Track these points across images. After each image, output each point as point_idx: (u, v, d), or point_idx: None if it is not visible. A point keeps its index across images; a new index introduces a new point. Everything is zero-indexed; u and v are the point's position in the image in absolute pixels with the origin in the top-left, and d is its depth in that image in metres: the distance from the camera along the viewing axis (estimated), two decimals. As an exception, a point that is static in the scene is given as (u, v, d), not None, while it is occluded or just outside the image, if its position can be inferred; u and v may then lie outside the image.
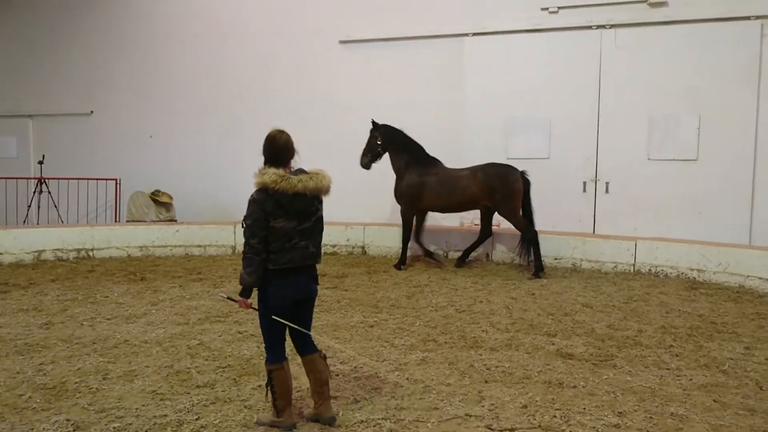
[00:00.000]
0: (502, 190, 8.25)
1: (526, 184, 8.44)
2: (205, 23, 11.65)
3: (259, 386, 4.20)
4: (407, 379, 4.40)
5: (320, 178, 3.51)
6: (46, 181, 11.58)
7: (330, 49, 10.79)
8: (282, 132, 3.55)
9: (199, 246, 9.41)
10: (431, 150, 8.84)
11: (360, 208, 10.14)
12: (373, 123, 8.81)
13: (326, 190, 3.57)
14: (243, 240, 3.44)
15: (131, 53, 12.27)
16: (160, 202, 10.88)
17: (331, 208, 9.39)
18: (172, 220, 10.92)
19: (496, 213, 8.66)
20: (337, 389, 4.17)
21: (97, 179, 12.10)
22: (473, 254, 8.96)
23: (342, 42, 10.72)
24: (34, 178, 11.87)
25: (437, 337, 5.47)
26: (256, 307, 3.58)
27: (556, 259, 8.70)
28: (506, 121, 9.82)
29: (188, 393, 4.10)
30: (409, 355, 4.96)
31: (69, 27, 12.74)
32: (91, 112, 12.65)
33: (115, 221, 11.99)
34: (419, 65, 10.35)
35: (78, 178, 11.98)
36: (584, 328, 5.78)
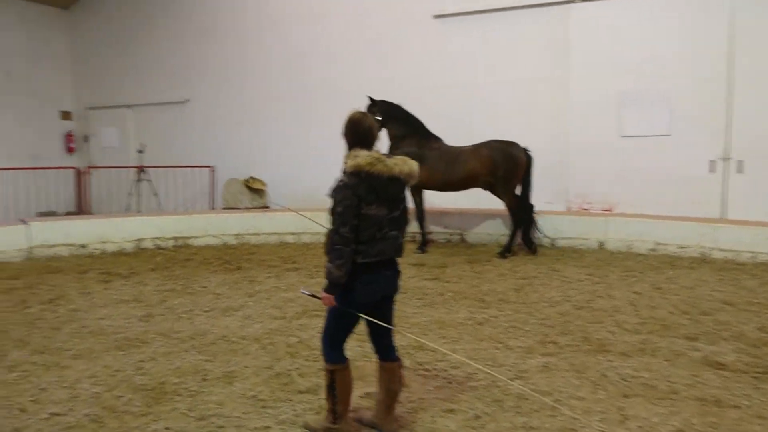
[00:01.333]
0: (504, 165, 8.11)
1: (529, 160, 8.27)
2: (297, 5, 11.40)
3: (367, 394, 3.81)
4: (531, 389, 3.86)
5: (410, 163, 3.23)
6: (146, 169, 11.83)
7: (423, 24, 10.23)
8: (365, 114, 3.31)
9: (293, 234, 9.21)
10: (533, 130, 8.17)
11: (459, 193, 9.59)
12: (370, 99, 8.46)
13: (416, 176, 3.26)
14: (334, 227, 3.06)
15: (224, 40, 12.25)
16: (254, 188, 10.82)
17: (428, 193, 8.99)
18: (265, 207, 10.83)
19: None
20: (452, 400, 3.71)
21: (192, 167, 12.25)
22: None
23: (436, 16, 10.13)
24: (135, 167, 12.16)
25: (557, 339, 4.88)
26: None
27: (680, 247, 7.79)
28: (618, 96, 8.93)
29: (290, 400, 3.77)
30: (528, 360, 4.41)
31: (164, 17, 12.91)
32: (187, 100, 12.80)
33: (211, 208, 12.10)
34: (518, 38, 9.61)
35: (175, 166, 12.17)
36: (730, 330, 4.98)
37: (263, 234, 9.20)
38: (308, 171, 11.12)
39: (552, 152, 9.46)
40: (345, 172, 3.11)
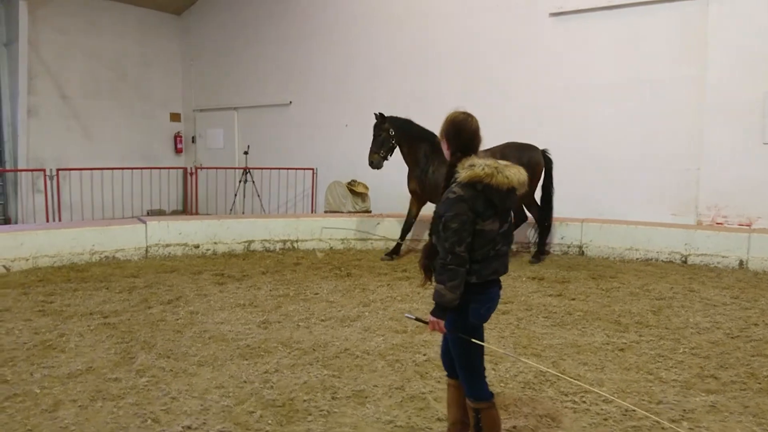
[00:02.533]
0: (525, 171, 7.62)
1: (548, 163, 8.07)
2: (405, 4, 11.17)
3: (514, 428, 3.44)
4: (706, 437, 3.35)
5: (523, 172, 2.93)
6: (250, 170, 11.98)
7: (539, 23, 9.70)
8: (470, 114, 2.98)
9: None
10: (660, 134, 7.48)
11: (574, 202, 8.98)
12: (380, 116, 8.15)
13: (527, 185, 2.94)
14: (448, 246, 2.73)
15: (328, 41, 12.23)
16: (357, 192, 10.68)
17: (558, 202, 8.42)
18: (368, 211, 10.66)
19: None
20: (615, 443, 3.26)
21: (295, 168, 12.29)
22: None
23: (553, 14, 9.59)
24: (240, 168, 12.36)
25: (716, 373, 4.30)
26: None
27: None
28: (764, 98, 8.02)
29: (430, 429, 3.46)
30: (690, 397, 3.88)
31: (270, 21, 13.08)
32: (290, 102, 12.88)
33: (312, 211, 12.09)
34: (646, 35, 8.90)
35: (278, 168, 12.27)
36: None
37: (370, 240, 8.98)
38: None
39: (681, 159, 8.70)
40: (459, 184, 2.80)
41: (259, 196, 12.04)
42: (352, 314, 5.71)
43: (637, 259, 8.09)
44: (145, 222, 8.26)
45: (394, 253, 8.30)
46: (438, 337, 4.92)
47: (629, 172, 9.08)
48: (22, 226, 9.01)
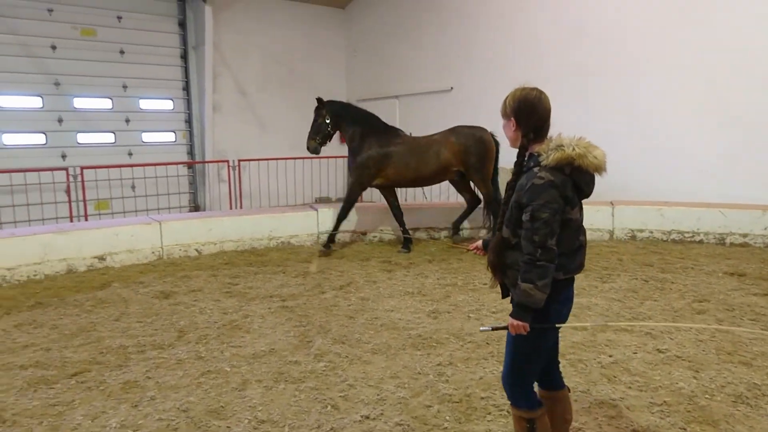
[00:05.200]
0: (477, 152, 7.74)
1: (497, 146, 7.94)
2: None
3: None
4: None
5: (603, 151, 2.56)
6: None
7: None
8: (542, 91, 2.62)
9: (572, 229, 8.40)
10: None
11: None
12: (319, 101, 7.87)
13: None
14: (538, 239, 2.38)
15: (489, 24, 11.82)
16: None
17: (742, 187, 7.50)
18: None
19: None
20: None
21: (456, 155, 12.11)
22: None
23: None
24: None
25: None
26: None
27: None
28: None
29: (627, 441, 3.10)
30: None
31: (430, 8, 12.96)
32: (451, 88, 12.71)
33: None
34: None
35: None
36: None
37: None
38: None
39: None
40: (545, 168, 2.46)
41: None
42: (524, 307, 5.41)
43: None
44: (316, 209, 8.59)
45: (408, 243, 7.93)
46: (624, 338, 4.49)
47: None
48: (210, 213, 9.84)
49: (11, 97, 10.46)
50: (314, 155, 8.15)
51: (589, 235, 8.10)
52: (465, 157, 7.77)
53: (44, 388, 3.86)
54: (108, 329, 5.00)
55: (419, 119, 13.28)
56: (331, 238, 7.91)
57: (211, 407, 3.55)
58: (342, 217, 7.90)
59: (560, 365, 2.92)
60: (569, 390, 2.95)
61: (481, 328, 2.83)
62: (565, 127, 8.55)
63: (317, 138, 7.82)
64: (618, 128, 9.60)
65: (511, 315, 2.50)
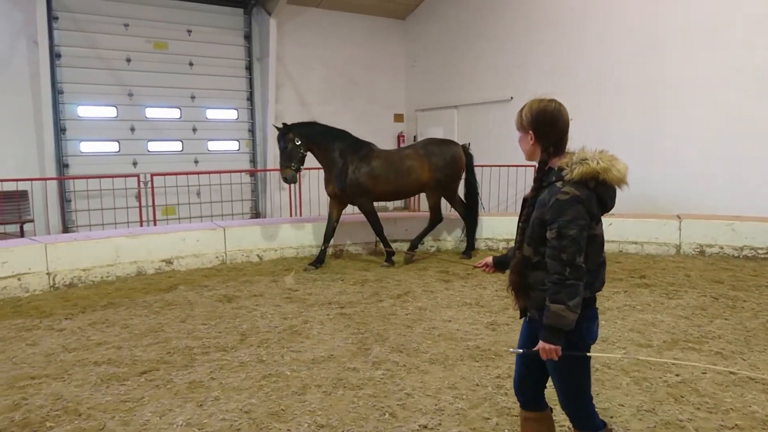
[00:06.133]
0: (445, 168, 7.76)
1: (470, 158, 8.01)
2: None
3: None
4: None
5: (624, 164, 2.47)
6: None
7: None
8: (560, 102, 2.52)
9: (635, 243, 8.16)
10: None
11: None
12: (282, 126, 7.46)
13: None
14: (566, 257, 2.30)
15: (550, 33, 11.67)
16: (583, 190, 9.99)
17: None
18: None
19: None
20: None
21: (516, 165, 11.95)
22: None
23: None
24: (460, 166, 12.41)
25: None
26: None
27: None
28: None
29: (695, 464, 2.99)
30: None
31: (489, 17, 12.92)
32: (511, 98, 12.59)
33: (533, 209, 11.67)
34: None
35: (498, 165, 12.04)
36: None
37: (615, 241, 8.32)
38: (652, 170, 9.84)
39: None
40: (570, 182, 2.37)
41: (479, 193, 11.94)
42: (586, 322, 5.29)
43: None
44: (374, 218, 8.65)
45: (319, 261, 7.65)
46: (692, 357, 4.31)
47: None
48: (272, 220, 10.06)
49: (89, 108, 11.07)
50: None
51: (654, 249, 7.95)
52: (434, 172, 7.78)
53: (116, 384, 4.05)
54: (174, 330, 5.20)
55: (479, 129, 13.23)
56: (389, 253, 7.80)
57: (272, 410, 3.64)
58: (379, 230, 7.82)
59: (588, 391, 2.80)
60: (551, 410, 2.88)
61: (511, 350, 2.74)
62: (631, 140, 8.49)
63: (292, 165, 7.40)
64: (687, 140, 9.27)
65: (542, 338, 2.39)
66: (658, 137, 9.80)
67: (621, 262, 7.64)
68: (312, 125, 7.75)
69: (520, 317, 2.68)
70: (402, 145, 12.95)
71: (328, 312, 5.69)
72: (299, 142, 7.42)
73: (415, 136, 15.22)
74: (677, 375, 4.05)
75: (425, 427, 3.42)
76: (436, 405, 3.68)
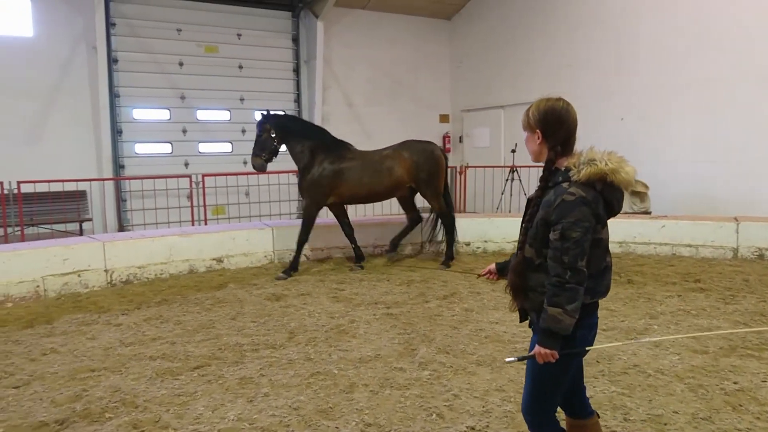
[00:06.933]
0: (428, 168, 7.61)
1: (446, 160, 7.93)
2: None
3: None
4: None
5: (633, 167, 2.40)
6: (518, 169, 11.82)
7: None
8: (568, 101, 2.46)
9: (690, 246, 7.91)
10: None
11: None
12: (263, 115, 7.40)
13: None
14: (568, 260, 2.24)
15: (598, 30, 11.43)
16: (635, 191, 9.74)
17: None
18: (647, 212, 9.68)
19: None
20: None
21: (563, 166, 11.78)
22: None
23: None
24: (507, 167, 12.28)
25: None
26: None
27: None
28: None
29: (754, 475, 2.88)
30: None
31: (536, 16, 12.74)
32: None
33: (581, 210, 11.45)
34: None
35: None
36: None
37: (652, 244, 8.12)
38: (706, 171, 9.52)
39: None
40: (576, 183, 2.30)
41: (525, 194, 11.79)
42: (637, 326, 5.18)
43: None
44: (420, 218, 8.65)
45: (360, 259, 7.63)
46: (751, 364, 4.15)
47: None
48: (317, 220, 10.17)
49: (143, 110, 11.44)
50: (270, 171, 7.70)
51: (709, 253, 7.71)
52: (416, 173, 7.62)
53: (170, 378, 4.18)
54: (225, 327, 5.32)
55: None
56: (294, 265, 7.38)
57: (321, 407, 3.69)
58: (302, 241, 7.46)
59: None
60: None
61: (507, 359, 2.65)
62: (687, 139, 8.24)
63: (263, 154, 7.31)
64: (744, 140, 8.94)
65: (538, 342, 2.33)
66: (715, 137, 9.47)
67: (674, 266, 7.42)
68: (293, 120, 7.82)
69: (520, 321, 2.62)
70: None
71: (374, 312, 5.73)
72: (274, 134, 7.34)
73: (460, 137, 15.16)
74: (735, 383, 3.92)
75: (473, 428, 3.41)
76: (483, 407, 3.66)
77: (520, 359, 2.53)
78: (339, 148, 7.62)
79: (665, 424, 3.39)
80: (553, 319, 2.26)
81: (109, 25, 10.83)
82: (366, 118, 14.10)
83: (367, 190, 7.57)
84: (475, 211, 12.85)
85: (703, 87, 9.61)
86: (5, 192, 8.89)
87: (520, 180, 11.81)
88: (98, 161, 10.93)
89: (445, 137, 15.32)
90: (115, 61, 11.05)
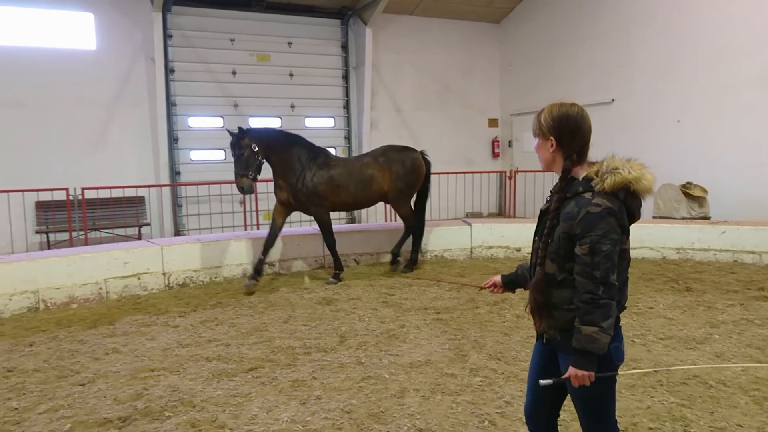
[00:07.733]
0: (405, 176, 7.55)
1: (428, 166, 7.85)
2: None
3: None
4: None
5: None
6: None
7: None
8: (582, 107, 2.34)
9: (752, 252, 7.59)
10: None
11: None
12: (241, 130, 6.86)
13: None
14: (600, 275, 2.12)
15: (655, 32, 11.12)
16: (693, 196, 9.44)
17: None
18: (706, 218, 9.34)
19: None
20: None
21: (617, 170, 11.50)
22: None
23: None
24: (557, 171, 12.08)
25: None
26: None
27: None
28: None
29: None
30: None
31: (586, 17, 12.53)
32: (612, 100, 12.11)
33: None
34: None
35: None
36: None
37: (712, 250, 7.84)
38: (765, 175, 9.14)
39: None
40: (601, 194, 2.18)
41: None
42: (697, 335, 5.00)
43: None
44: (469, 224, 8.62)
45: (257, 273, 7.01)
46: None
47: None
48: (366, 225, 10.28)
49: (198, 119, 11.80)
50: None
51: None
52: (395, 179, 7.52)
53: (225, 379, 4.29)
54: (278, 330, 5.42)
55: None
56: (338, 265, 7.40)
57: (372, 411, 3.72)
58: (331, 243, 7.38)
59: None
60: None
61: (541, 382, 2.35)
62: (743, 139, 7.99)
63: (249, 173, 6.90)
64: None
65: (572, 364, 2.18)
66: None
67: (736, 273, 7.14)
68: (268, 130, 7.46)
69: (537, 339, 2.49)
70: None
71: (424, 317, 5.73)
72: (256, 149, 6.93)
73: (510, 141, 15.00)
74: (804, 396, 3.74)
75: (525, 437, 3.36)
76: (536, 415, 3.60)
77: (555, 382, 2.32)
78: (320, 155, 7.43)
79: (729, 438, 3.27)
80: (588, 338, 2.13)
81: (166, 36, 11.22)
82: (414, 123, 14.12)
83: (352, 198, 7.48)
84: (525, 216, 12.68)
85: (757, 85, 9.23)
86: (70, 198, 9.31)
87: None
88: (156, 168, 11.32)
89: (494, 141, 15.21)
90: (172, 71, 11.44)
